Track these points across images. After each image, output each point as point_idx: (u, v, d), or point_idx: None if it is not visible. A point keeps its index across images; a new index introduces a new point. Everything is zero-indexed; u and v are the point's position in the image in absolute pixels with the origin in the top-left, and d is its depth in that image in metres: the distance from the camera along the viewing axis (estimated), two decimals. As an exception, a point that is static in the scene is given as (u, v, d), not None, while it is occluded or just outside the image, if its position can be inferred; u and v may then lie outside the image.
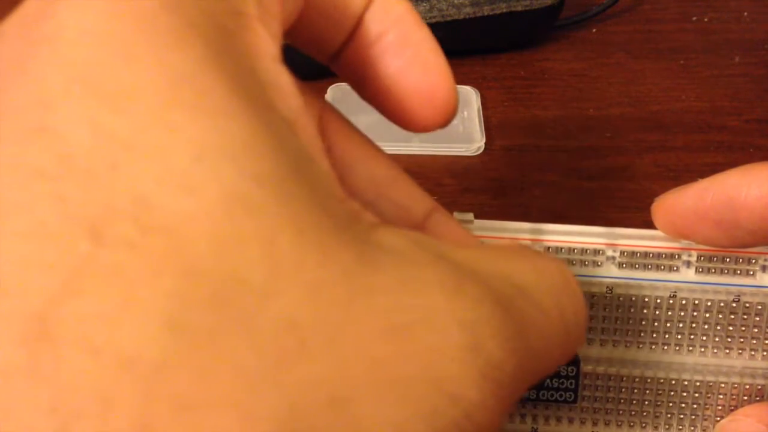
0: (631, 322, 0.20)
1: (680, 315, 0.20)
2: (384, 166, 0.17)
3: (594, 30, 0.45)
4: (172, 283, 0.09)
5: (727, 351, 0.20)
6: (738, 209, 0.18)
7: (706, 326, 0.20)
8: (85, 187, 0.09)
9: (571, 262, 0.20)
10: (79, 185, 0.09)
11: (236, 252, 0.10)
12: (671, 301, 0.20)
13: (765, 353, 0.20)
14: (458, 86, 0.17)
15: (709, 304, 0.20)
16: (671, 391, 0.21)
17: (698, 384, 0.20)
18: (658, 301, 0.20)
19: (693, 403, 0.21)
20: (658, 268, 0.20)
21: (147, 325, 0.09)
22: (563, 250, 0.20)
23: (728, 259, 0.20)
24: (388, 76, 0.16)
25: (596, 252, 0.20)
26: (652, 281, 0.20)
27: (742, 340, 0.20)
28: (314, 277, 0.10)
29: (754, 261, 0.20)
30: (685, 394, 0.21)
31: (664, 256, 0.20)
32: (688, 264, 0.20)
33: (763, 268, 0.20)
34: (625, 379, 0.21)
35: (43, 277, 0.09)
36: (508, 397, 0.11)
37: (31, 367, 0.09)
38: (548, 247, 0.20)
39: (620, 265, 0.20)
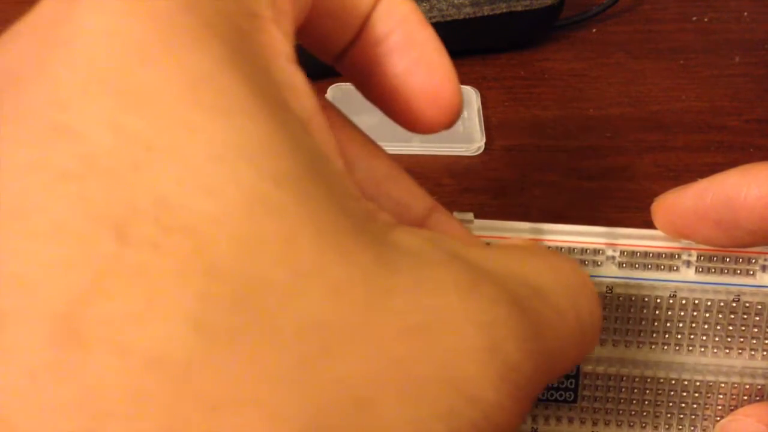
0: (631, 321, 0.20)
1: (680, 315, 0.20)
2: (384, 164, 0.17)
3: (594, 30, 0.45)
4: (196, 284, 0.09)
5: (727, 351, 0.20)
6: (737, 209, 0.18)
7: (706, 326, 0.20)
8: (108, 187, 0.09)
9: (571, 262, 0.20)
10: (101, 185, 0.09)
11: (258, 252, 0.10)
12: (671, 301, 0.20)
13: (765, 353, 0.20)
14: (459, 86, 0.17)
15: (709, 303, 0.20)
16: (671, 390, 0.21)
17: (698, 384, 0.20)
18: (658, 300, 0.20)
19: (693, 403, 0.21)
20: (658, 267, 0.20)
21: (173, 325, 0.09)
22: (563, 249, 0.20)
23: (728, 259, 0.20)
24: (394, 75, 0.16)
25: (596, 252, 0.20)
26: (652, 281, 0.20)
27: (742, 339, 0.20)
28: (334, 278, 0.10)
29: (754, 261, 0.20)
30: (685, 393, 0.21)
31: (664, 255, 0.20)
32: (688, 264, 0.20)
33: (763, 268, 0.20)
34: (625, 378, 0.21)
35: (69, 278, 0.09)
36: (525, 398, 0.11)
37: (60, 367, 0.09)
38: (548, 247, 0.20)
39: (620, 265, 0.20)
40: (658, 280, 0.20)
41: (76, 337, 0.09)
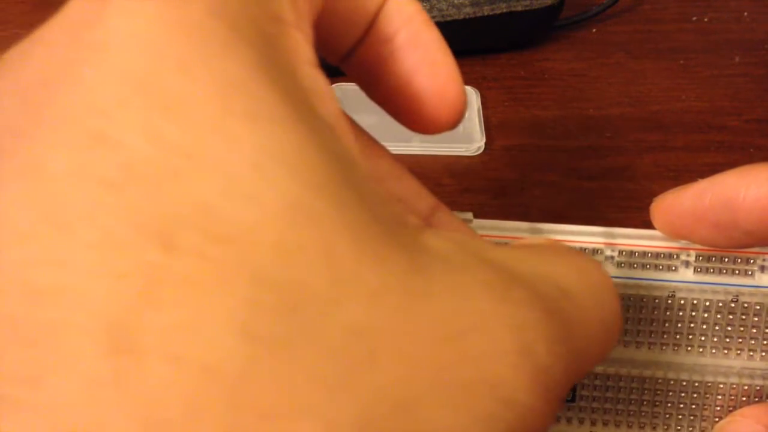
0: (629, 321, 0.20)
1: (678, 315, 0.20)
2: (388, 163, 0.17)
3: (594, 30, 0.45)
4: (242, 292, 0.09)
5: (726, 351, 0.20)
6: (736, 210, 0.18)
7: (704, 326, 0.20)
8: (151, 197, 0.09)
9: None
10: (143, 194, 0.09)
11: (300, 260, 0.10)
12: (669, 301, 0.20)
13: (764, 354, 0.20)
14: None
15: (707, 304, 0.20)
16: (669, 391, 0.21)
17: (696, 384, 0.20)
18: (657, 300, 0.20)
19: (691, 404, 0.21)
20: (656, 267, 0.20)
21: (224, 333, 0.09)
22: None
23: (727, 259, 0.20)
24: (399, 75, 0.16)
25: (595, 251, 0.20)
26: (650, 281, 0.20)
27: (740, 340, 0.20)
28: (373, 285, 0.10)
29: (752, 261, 0.20)
30: (683, 394, 0.21)
31: (662, 255, 0.20)
32: (687, 264, 0.20)
33: (762, 269, 0.20)
34: (623, 378, 0.21)
35: (120, 288, 0.09)
36: (555, 399, 0.12)
37: (118, 378, 0.09)
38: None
39: (619, 265, 0.20)
40: (657, 280, 0.20)
41: (130, 347, 0.09)
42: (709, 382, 0.20)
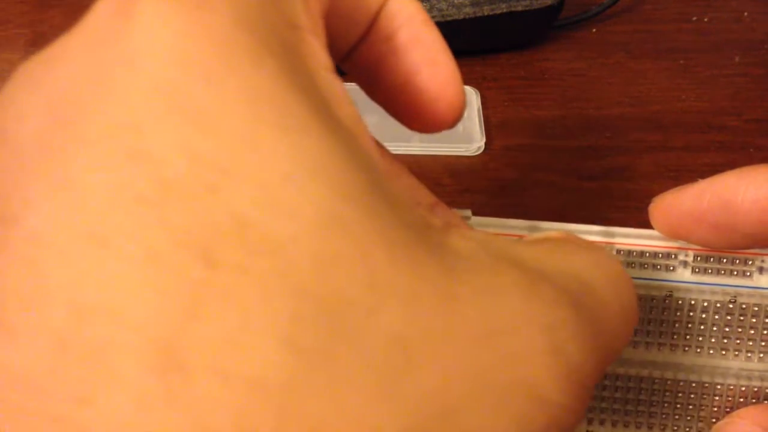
0: (627, 322, 0.20)
1: (676, 315, 0.20)
2: (386, 161, 0.17)
3: (594, 30, 0.45)
4: (284, 304, 0.09)
5: (723, 352, 0.20)
6: (735, 212, 0.18)
7: (701, 327, 0.20)
8: (189, 212, 0.09)
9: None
10: (182, 210, 0.09)
11: (337, 270, 0.10)
12: (667, 301, 0.20)
13: (761, 355, 0.20)
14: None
15: (705, 304, 0.20)
16: (666, 391, 0.21)
17: (694, 385, 0.20)
18: (654, 300, 0.20)
19: (688, 404, 0.21)
20: (654, 267, 0.20)
21: (269, 347, 0.09)
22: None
23: (725, 260, 0.20)
24: (399, 75, 0.16)
25: (593, 252, 0.20)
26: (647, 280, 0.20)
27: (738, 341, 0.20)
28: (409, 291, 0.10)
29: (750, 262, 0.20)
30: (680, 394, 0.21)
31: (660, 255, 0.20)
32: (685, 264, 0.20)
33: (760, 270, 0.20)
34: (619, 378, 0.21)
35: (165, 305, 0.09)
36: (586, 396, 0.12)
37: (168, 396, 0.09)
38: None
39: (617, 266, 0.20)
40: (654, 280, 0.20)
41: (178, 364, 0.09)
42: (706, 383, 0.20)
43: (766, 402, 0.20)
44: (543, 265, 0.12)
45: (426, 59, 0.16)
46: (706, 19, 0.45)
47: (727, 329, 0.20)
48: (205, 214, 0.10)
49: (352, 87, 0.17)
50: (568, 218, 0.20)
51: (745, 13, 0.46)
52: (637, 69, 0.42)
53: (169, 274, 0.09)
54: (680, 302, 0.20)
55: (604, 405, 0.21)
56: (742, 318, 0.20)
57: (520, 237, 0.20)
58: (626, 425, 0.21)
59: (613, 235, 0.20)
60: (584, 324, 0.12)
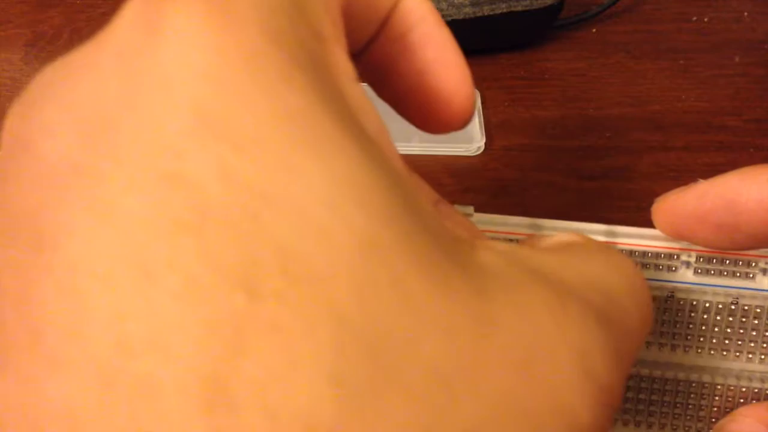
0: (629, 323, 0.20)
1: (677, 316, 0.20)
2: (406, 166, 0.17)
3: (594, 30, 0.44)
4: (326, 336, 0.09)
5: (724, 353, 0.20)
6: (738, 212, 0.18)
7: (703, 327, 0.20)
8: (229, 240, 0.09)
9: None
10: (222, 237, 0.09)
11: (376, 299, 0.10)
12: (668, 302, 0.20)
13: (762, 357, 0.20)
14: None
15: (707, 305, 0.20)
16: (666, 390, 0.21)
17: (694, 385, 0.20)
18: (656, 301, 0.20)
19: (688, 404, 0.21)
20: (656, 267, 0.20)
21: (315, 383, 0.09)
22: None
23: (728, 261, 0.20)
24: (410, 75, 0.16)
25: (595, 253, 0.20)
26: (649, 281, 0.20)
27: (739, 342, 0.20)
28: (445, 318, 0.10)
29: (754, 264, 0.20)
30: (680, 394, 0.21)
31: (662, 256, 0.20)
32: (687, 264, 0.20)
33: (763, 271, 0.20)
34: (623, 380, 0.21)
35: (210, 339, 0.09)
36: (612, 412, 0.12)
37: None
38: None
39: (619, 266, 0.20)
40: (656, 280, 0.20)
41: (226, 401, 0.09)
42: (706, 383, 0.20)
43: (768, 402, 0.20)
44: (565, 276, 0.12)
45: (438, 59, 0.16)
46: (706, 19, 0.45)
47: (728, 330, 0.20)
48: (245, 242, 0.09)
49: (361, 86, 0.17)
50: (568, 218, 0.20)
51: (745, 13, 0.46)
52: (637, 69, 0.42)
53: (212, 305, 0.09)
54: (682, 303, 0.20)
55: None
56: (743, 319, 0.20)
57: (522, 235, 0.20)
58: (626, 423, 0.21)
59: (615, 234, 0.20)
60: (610, 340, 0.12)
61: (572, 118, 0.39)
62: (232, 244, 0.09)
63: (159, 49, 0.10)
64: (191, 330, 0.09)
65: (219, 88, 0.10)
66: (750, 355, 0.20)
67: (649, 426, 0.21)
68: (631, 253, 0.20)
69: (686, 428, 0.21)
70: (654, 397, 0.21)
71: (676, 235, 0.19)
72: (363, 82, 0.17)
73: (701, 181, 0.19)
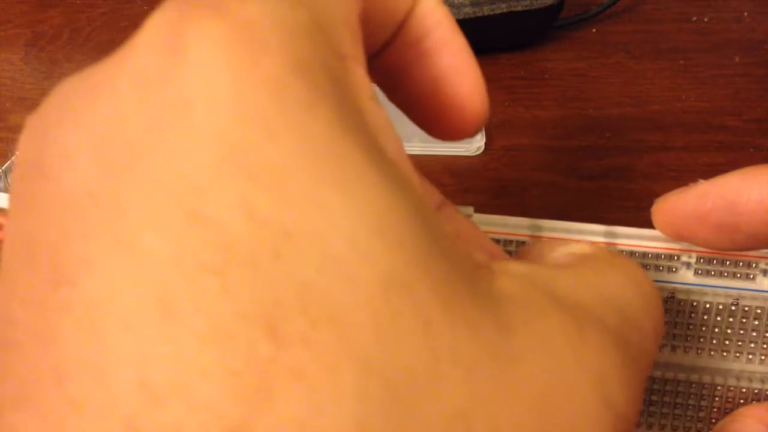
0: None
1: (678, 317, 0.20)
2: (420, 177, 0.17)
3: (594, 30, 0.44)
4: (350, 381, 0.09)
5: (724, 354, 0.20)
6: (739, 213, 0.18)
7: (703, 328, 0.20)
8: (252, 280, 0.09)
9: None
10: (245, 278, 0.09)
11: (398, 340, 0.09)
12: (668, 303, 0.20)
13: (762, 357, 0.20)
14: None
15: (707, 306, 0.20)
16: (666, 390, 0.21)
17: (694, 385, 0.20)
18: (657, 302, 0.20)
19: (688, 404, 0.21)
20: (656, 268, 0.20)
21: (339, 431, 0.09)
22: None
23: (728, 262, 0.20)
24: (425, 81, 0.16)
25: (596, 254, 0.20)
26: None
27: (740, 343, 0.20)
28: (467, 356, 0.10)
29: (754, 265, 0.20)
30: (680, 394, 0.21)
31: (663, 256, 0.20)
32: (688, 265, 0.20)
33: (764, 272, 0.20)
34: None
35: (235, 387, 0.09)
36: None
37: None
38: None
39: (619, 267, 0.20)
40: (657, 281, 0.20)
41: None
42: (706, 384, 0.20)
43: (769, 402, 0.20)
44: (581, 297, 0.12)
45: (454, 66, 0.15)
46: (706, 19, 0.45)
47: (728, 331, 0.20)
48: (268, 283, 0.09)
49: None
50: (568, 218, 0.20)
51: (745, 13, 0.46)
52: (637, 69, 0.42)
53: (236, 350, 0.09)
54: (682, 304, 0.20)
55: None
56: (744, 320, 0.20)
57: (522, 236, 0.20)
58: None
59: (615, 235, 0.20)
60: (627, 362, 0.12)
61: (572, 118, 0.39)
62: (256, 285, 0.09)
63: (182, 76, 0.10)
64: (217, 377, 0.09)
65: (242, 120, 0.10)
66: (750, 356, 0.20)
67: (649, 426, 0.21)
68: (631, 254, 0.20)
69: (686, 429, 0.21)
70: (654, 398, 0.21)
71: (676, 236, 0.19)
72: (375, 85, 0.17)
73: (701, 181, 0.19)
